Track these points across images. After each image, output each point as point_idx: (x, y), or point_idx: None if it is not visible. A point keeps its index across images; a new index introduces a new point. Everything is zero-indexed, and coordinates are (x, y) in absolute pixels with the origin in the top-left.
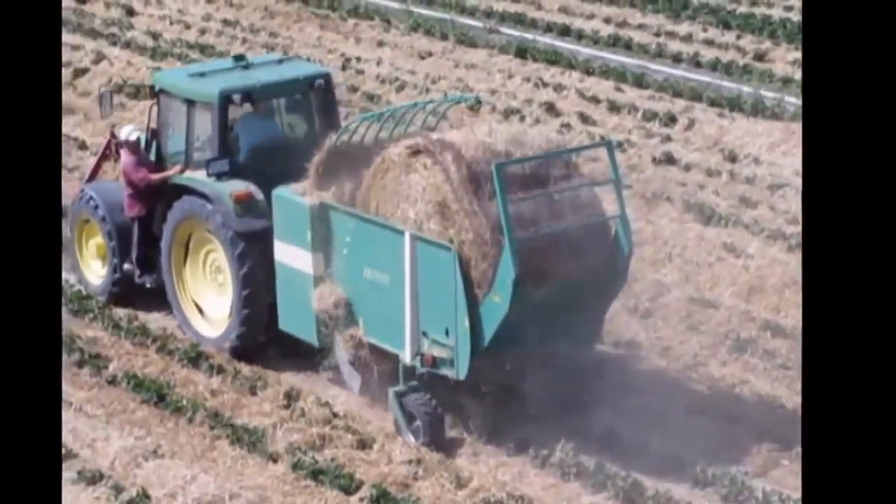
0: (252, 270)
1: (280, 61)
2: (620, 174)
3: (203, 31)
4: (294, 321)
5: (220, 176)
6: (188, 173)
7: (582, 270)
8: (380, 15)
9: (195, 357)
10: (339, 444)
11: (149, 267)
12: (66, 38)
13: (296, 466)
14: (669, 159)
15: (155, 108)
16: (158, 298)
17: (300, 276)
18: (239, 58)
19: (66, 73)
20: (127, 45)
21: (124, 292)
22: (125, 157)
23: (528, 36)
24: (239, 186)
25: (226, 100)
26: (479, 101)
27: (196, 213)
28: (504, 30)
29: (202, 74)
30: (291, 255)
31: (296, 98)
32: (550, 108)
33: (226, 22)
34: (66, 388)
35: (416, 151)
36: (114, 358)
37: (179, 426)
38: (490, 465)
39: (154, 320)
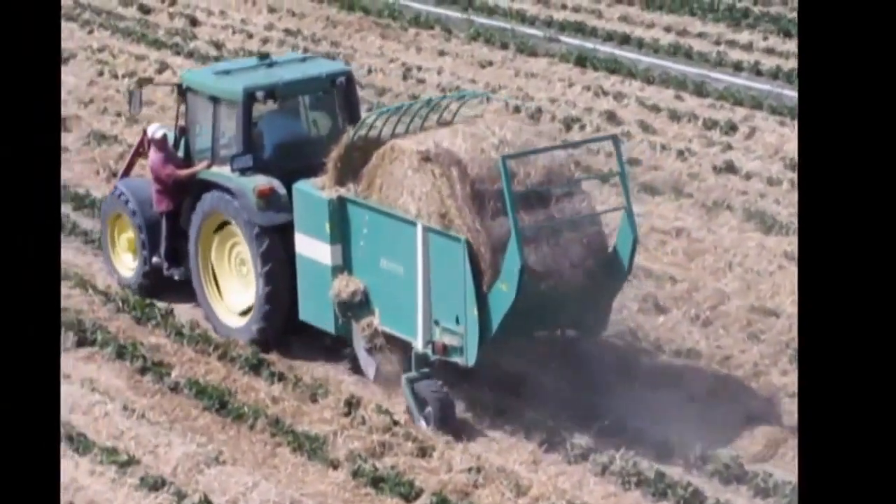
0: (273, 262)
1: (303, 59)
2: (626, 167)
3: (265, 41)
4: (313, 312)
5: (244, 171)
6: (214, 169)
7: (586, 262)
8: (441, 24)
9: (257, 364)
10: (400, 452)
11: (177, 260)
12: (131, 48)
13: (356, 474)
14: (730, 168)
15: (183, 106)
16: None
17: (319, 267)
18: (263, 56)
19: (130, 83)
20: (190, 54)
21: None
22: (153, 153)
23: (589, 45)
24: (262, 181)
25: (249, 97)
26: (488, 98)
27: (221, 207)
28: (564, 39)
29: (227, 72)
30: (311, 248)
31: (319, 95)
32: (611, 117)
33: (288, 31)
34: (129, 395)
35: (426, 158)
36: (176, 365)
37: (241, 433)
38: (550, 472)
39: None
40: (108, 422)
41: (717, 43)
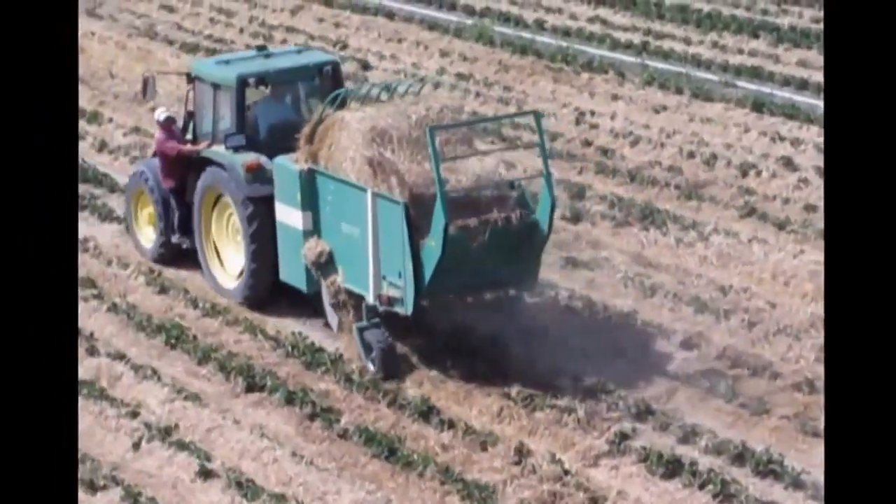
0: (259, 229)
1: (299, 52)
2: (546, 139)
3: (437, 85)
4: (290, 272)
5: (237, 149)
6: (214, 147)
7: (508, 221)
8: (614, 68)
9: (426, 411)
10: (570, 502)
11: (185, 230)
12: None
13: None
14: None
15: (191, 93)
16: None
17: (294, 232)
18: (261, 48)
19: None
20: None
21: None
22: (158, 134)
23: (765, 89)
24: (250, 157)
25: (242, 83)
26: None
27: (217, 181)
28: (740, 83)
29: (227, 62)
30: (288, 215)
31: (311, 83)
32: (787, 163)
33: (460, 75)
34: (298, 441)
35: (370, 163)
36: (345, 411)
37: (410, 481)
38: None
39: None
40: (277, 468)
41: None
